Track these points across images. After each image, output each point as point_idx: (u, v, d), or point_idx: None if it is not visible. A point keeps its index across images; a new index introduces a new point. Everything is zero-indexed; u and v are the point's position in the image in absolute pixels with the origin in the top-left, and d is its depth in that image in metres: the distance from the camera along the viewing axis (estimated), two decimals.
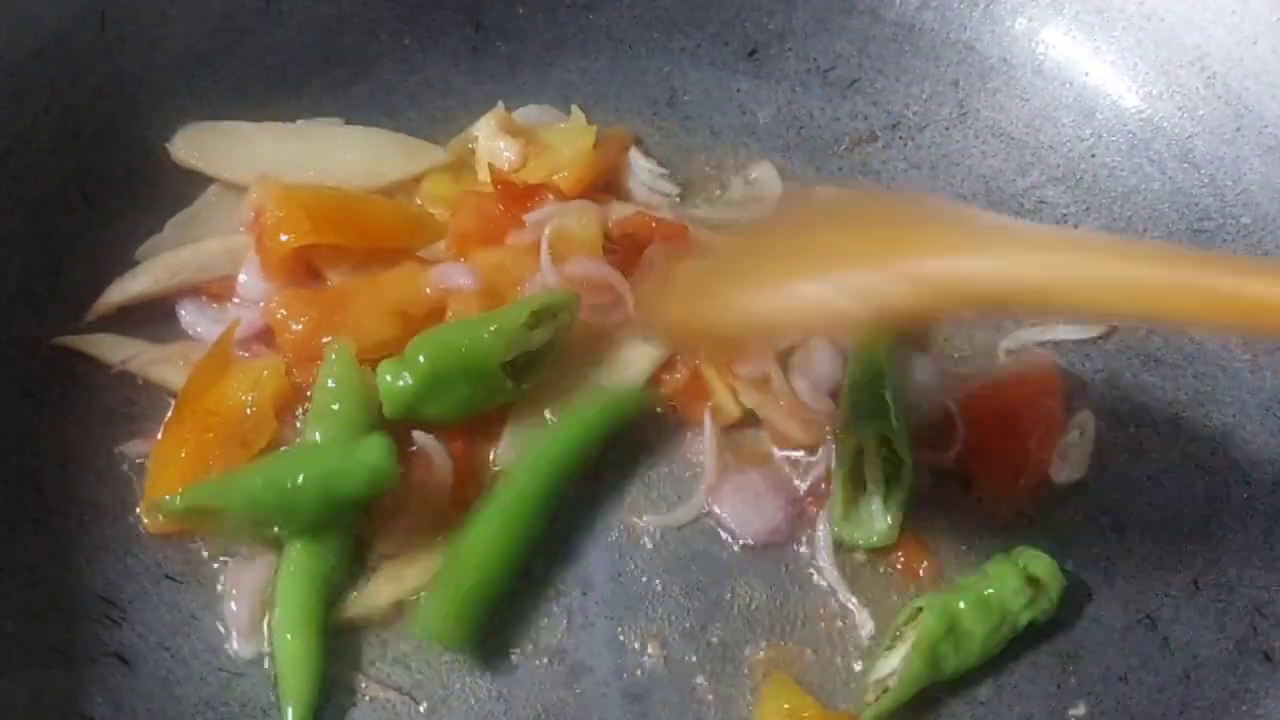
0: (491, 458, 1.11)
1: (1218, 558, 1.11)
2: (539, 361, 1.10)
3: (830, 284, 0.86)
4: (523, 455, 1.09)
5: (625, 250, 1.17)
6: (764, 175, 1.33)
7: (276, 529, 1.02)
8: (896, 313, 0.85)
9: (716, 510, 1.12)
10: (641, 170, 1.30)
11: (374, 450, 0.99)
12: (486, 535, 1.04)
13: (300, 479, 0.99)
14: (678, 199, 1.30)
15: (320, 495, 0.99)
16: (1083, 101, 1.34)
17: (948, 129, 1.36)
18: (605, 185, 1.28)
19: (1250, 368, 1.20)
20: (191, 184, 1.22)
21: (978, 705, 1.05)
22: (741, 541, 1.11)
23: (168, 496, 1.01)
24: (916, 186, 1.33)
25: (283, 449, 1.07)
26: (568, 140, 1.27)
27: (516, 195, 1.18)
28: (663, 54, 1.39)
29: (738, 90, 1.38)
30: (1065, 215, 1.30)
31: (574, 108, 1.31)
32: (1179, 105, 1.29)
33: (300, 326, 1.10)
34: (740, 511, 1.11)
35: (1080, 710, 1.04)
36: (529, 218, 1.16)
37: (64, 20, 1.16)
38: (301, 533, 1.02)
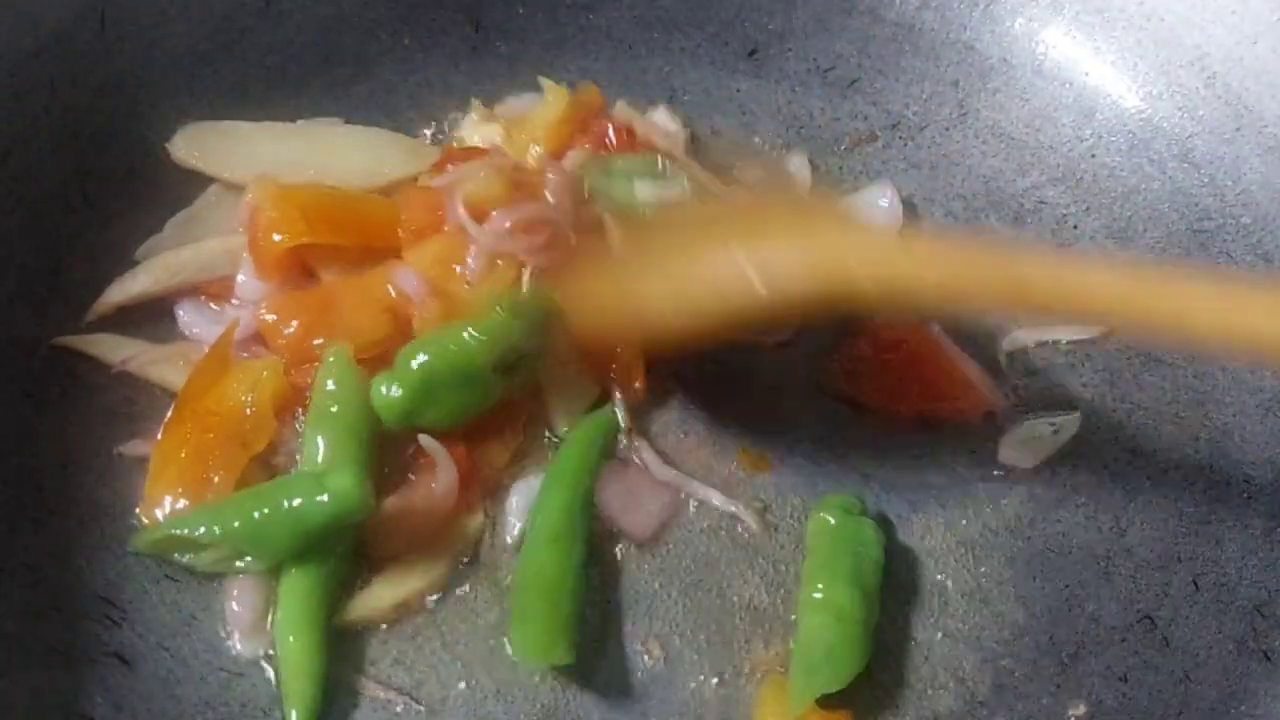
0: (546, 434, 1.14)
1: (1218, 558, 1.11)
2: (529, 359, 1.10)
3: (732, 266, 0.97)
4: (553, 481, 1.10)
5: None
6: (797, 166, 1.34)
7: (249, 560, 1.02)
8: (791, 296, 0.96)
9: (602, 507, 1.11)
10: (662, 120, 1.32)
11: (343, 482, 0.97)
12: (555, 557, 1.05)
13: (268, 512, 0.99)
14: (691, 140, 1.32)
15: (290, 529, 0.98)
16: (1083, 101, 1.34)
17: (948, 129, 1.36)
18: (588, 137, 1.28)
19: (1250, 368, 1.19)
20: (191, 184, 1.22)
21: (978, 705, 1.05)
22: (627, 537, 1.11)
23: (145, 528, 1.03)
24: (917, 186, 1.33)
25: (258, 485, 1.05)
26: (542, 112, 1.27)
27: (454, 161, 1.18)
28: (663, 54, 1.39)
29: (738, 90, 1.38)
30: (1065, 215, 1.30)
31: (547, 83, 1.29)
32: (1179, 105, 1.29)
33: (291, 329, 1.10)
34: (622, 507, 1.11)
35: (1080, 710, 1.04)
36: (434, 182, 1.16)
37: (64, 20, 1.16)
38: (278, 561, 1.02)
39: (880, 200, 1.29)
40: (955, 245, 0.95)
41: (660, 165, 1.20)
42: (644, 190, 1.18)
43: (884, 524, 1.11)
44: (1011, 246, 0.97)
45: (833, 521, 1.07)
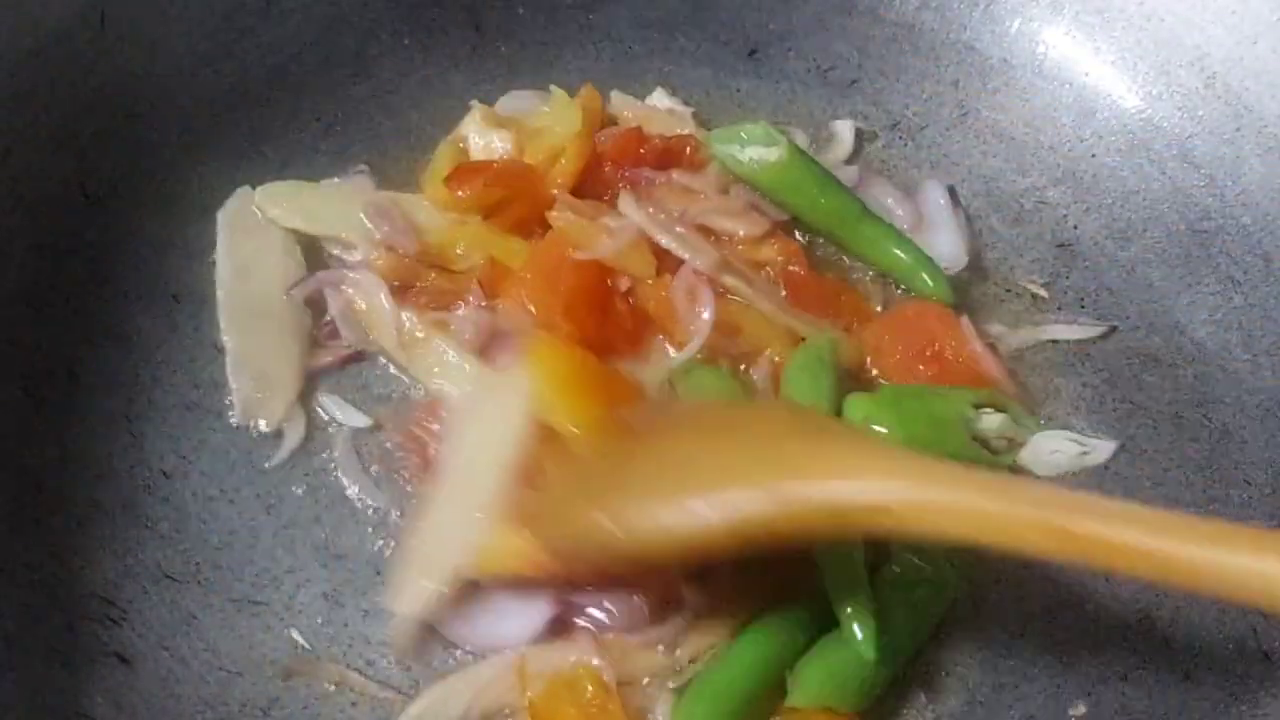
0: None
1: None
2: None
3: (708, 503, 0.87)
4: None
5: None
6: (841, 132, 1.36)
7: None
8: (769, 531, 0.86)
9: None
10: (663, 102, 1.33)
11: None
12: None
13: None
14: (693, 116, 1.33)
15: None
16: (1083, 101, 1.34)
17: (948, 129, 1.36)
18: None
19: (1250, 368, 1.19)
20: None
21: (978, 705, 1.05)
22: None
23: None
24: (917, 187, 1.33)
25: None
26: (556, 120, 1.26)
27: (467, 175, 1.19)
28: (663, 54, 1.39)
29: (737, 90, 1.39)
30: (1065, 215, 1.31)
31: (553, 87, 1.29)
32: (1179, 105, 1.29)
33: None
34: None
35: (1080, 710, 1.04)
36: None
37: (64, 20, 1.16)
38: None
39: (937, 199, 1.30)
40: (985, 483, 0.82)
41: (768, 133, 1.23)
42: (750, 153, 1.22)
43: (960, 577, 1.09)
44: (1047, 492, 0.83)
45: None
